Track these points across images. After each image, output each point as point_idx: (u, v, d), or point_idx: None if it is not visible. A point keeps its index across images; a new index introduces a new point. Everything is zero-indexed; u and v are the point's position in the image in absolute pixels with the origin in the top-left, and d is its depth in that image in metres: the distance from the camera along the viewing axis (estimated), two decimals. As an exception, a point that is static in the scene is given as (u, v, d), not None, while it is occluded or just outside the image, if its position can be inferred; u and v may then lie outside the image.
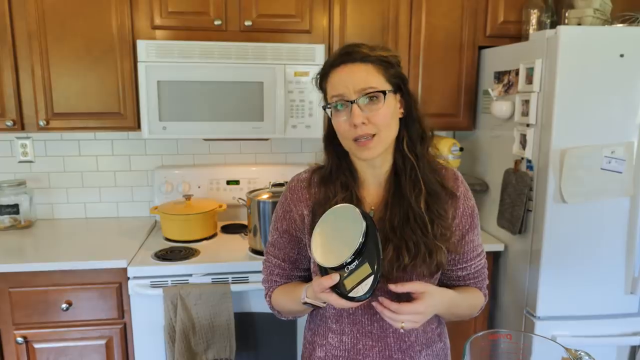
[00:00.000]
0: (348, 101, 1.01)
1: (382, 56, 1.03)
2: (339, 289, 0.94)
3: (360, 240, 0.91)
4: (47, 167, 2.37)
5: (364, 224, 0.92)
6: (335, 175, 1.11)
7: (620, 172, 1.73)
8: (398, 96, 1.06)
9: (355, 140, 1.02)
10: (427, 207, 1.05)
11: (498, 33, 2.18)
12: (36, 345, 1.84)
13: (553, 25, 2.10)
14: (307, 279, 1.19)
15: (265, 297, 1.22)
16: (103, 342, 1.87)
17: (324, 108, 1.07)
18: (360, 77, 1.01)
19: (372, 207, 1.11)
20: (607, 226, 1.78)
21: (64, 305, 1.80)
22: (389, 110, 1.02)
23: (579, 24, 1.94)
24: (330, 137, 1.12)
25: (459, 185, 1.11)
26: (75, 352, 1.86)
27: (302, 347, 1.23)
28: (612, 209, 1.77)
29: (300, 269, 1.19)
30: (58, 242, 2.08)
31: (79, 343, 1.86)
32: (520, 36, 2.15)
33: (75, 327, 1.85)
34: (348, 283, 0.92)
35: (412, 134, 1.08)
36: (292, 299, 1.12)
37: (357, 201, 1.09)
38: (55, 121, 2.01)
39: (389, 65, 1.04)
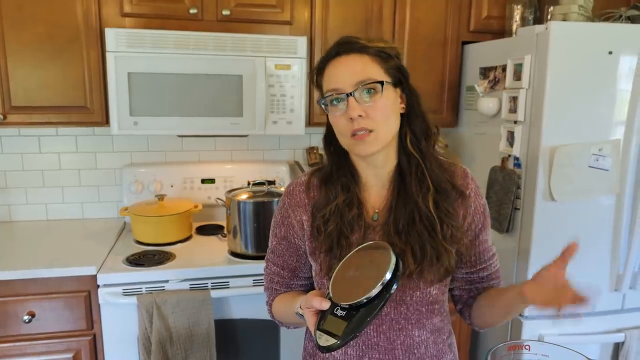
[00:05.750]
0: (344, 94, 0.94)
1: (380, 47, 0.97)
2: (320, 318, 0.85)
3: (363, 298, 0.80)
4: (3, 165, 2.18)
5: (383, 284, 0.81)
6: (336, 175, 1.04)
7: (607, 170, 1.73)
8: (399, 90, 1.00)
9: (353, 135, 0.95)
10: (436, 206, 0.98)
11: (481, 28, 2.14)
12: (-6, 362, 1.68)
13: (536, 21, 2.08)
14: (309, 287, 1.11)
15: (267, 306, 1.16)
16: (70, 355, 1.72)
17: (319, 103, 1.00)
18: (357, 68, 0.95)
19: (376, 210, 1.04)
20: (594, 224, 1.78)
21: (26, 317, 1.65)
22: (388, 103, 0.96)
23: (564, 20, 1.93)
24: (330, 137, 1.05)
25: (469, 182, 1.05)
26: (39, 367, 1.71)
27: (301, 360, 1.15)
28: (599, 207, 1.77)
29: (301, 277, 1.11)
30: (18, 247, 1.91)
31: (44, 357, 1.70)
32: (503, 32, 2.12)
33: (39, 340, 1.69)
34: (326, 323, 0.82)
35: (416, 130, 1.02)
36: (289, 309, 1.04)
37: (358, 204, 1.02)
38: (13, 115, 1.84)
39: (387, 57, 0.98)
